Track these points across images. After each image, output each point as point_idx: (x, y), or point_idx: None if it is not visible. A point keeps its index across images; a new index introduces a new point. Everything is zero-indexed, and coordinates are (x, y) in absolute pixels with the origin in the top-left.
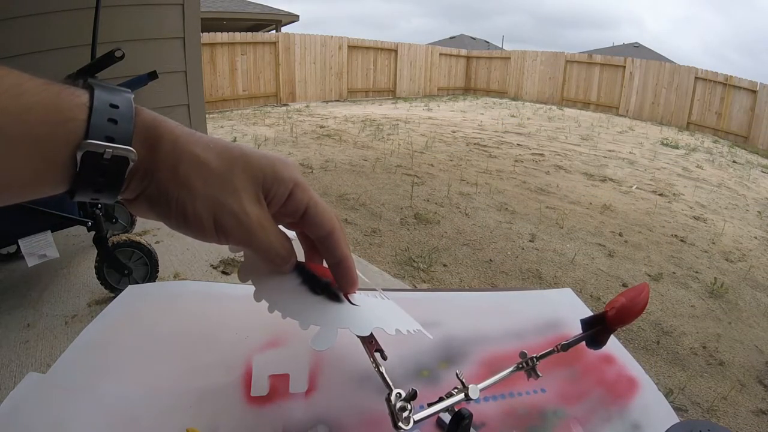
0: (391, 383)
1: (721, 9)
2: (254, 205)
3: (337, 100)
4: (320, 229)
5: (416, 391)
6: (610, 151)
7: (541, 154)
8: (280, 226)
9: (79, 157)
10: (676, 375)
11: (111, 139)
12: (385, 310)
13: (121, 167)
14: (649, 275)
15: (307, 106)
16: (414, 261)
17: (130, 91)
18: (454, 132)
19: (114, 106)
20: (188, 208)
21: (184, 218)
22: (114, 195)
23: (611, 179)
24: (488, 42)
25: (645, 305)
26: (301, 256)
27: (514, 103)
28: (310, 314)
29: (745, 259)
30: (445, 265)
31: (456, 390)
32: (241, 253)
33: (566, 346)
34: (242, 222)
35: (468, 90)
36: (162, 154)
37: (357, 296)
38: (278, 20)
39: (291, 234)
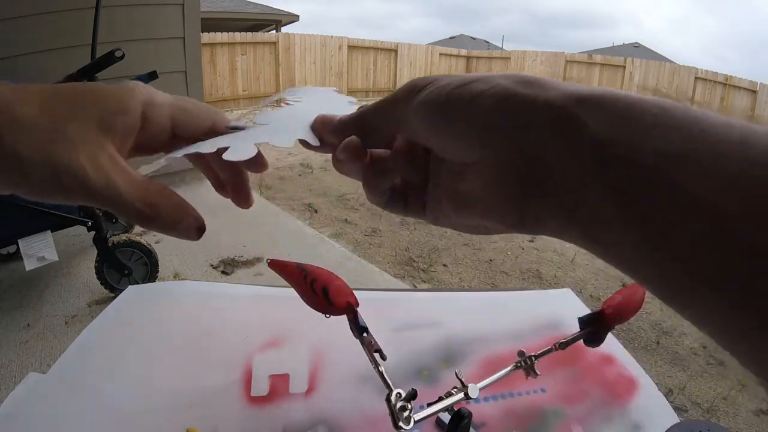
0: (390, 383)
1: (719, 9)
2: (95, 152)
3: None
4: (199, 128)
5: (416, 391)
6: None
7: None
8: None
9: None
10: (676, 375)
11: None
12: (313, 110)
13: None
14: None
15: None
16: (414, 261)
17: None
18: None
19: None
20: (19, 177)
21: (26, 188)
22: None
23: None
24: (488, 42)
25: (641, 303)
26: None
27: None
28: (212, 141)
29: None
30: (445, 265)
31: (455, 389)
32: (241, 254)
33: (564, 345)
34: (80, 180)
35: None
36: None
37: (283, 110)
38: (278, 20)
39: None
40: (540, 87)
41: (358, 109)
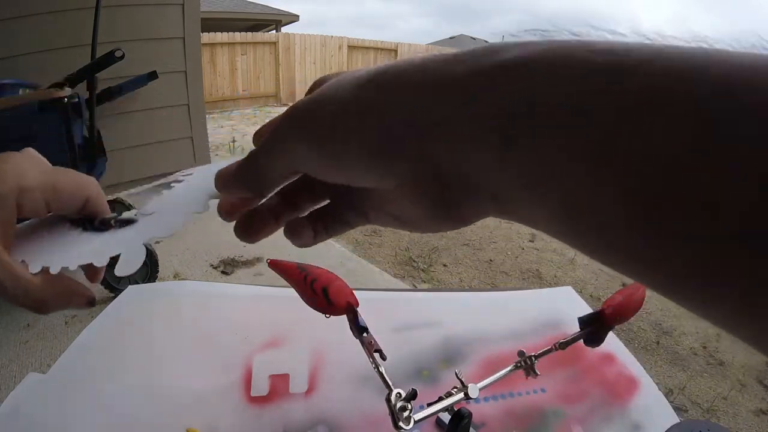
0: (390, 383)
1: (719, 9)
2: None
3: None
4: (73, 207)
5: (416, 391)
6: None
7: None
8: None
9: None
10: (676, 375)
11: None
12: (190, 193)
13: None
14: None
15: None
16: (414, 261)
17: None
18: None
19: None
20: None
21: None
22: None
23: None
24: (488, 42)
25: (642, 302)
26: None
27: None
28: (105, 247)
29: None
30: (445, 265)
31: (455, 389)
32: (241, 254)
33: (564, 345)
34: None
35: None
36: None
37: (155, 200)
38: (278, 20)
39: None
40: (415, 86)
41: (251, 149)
